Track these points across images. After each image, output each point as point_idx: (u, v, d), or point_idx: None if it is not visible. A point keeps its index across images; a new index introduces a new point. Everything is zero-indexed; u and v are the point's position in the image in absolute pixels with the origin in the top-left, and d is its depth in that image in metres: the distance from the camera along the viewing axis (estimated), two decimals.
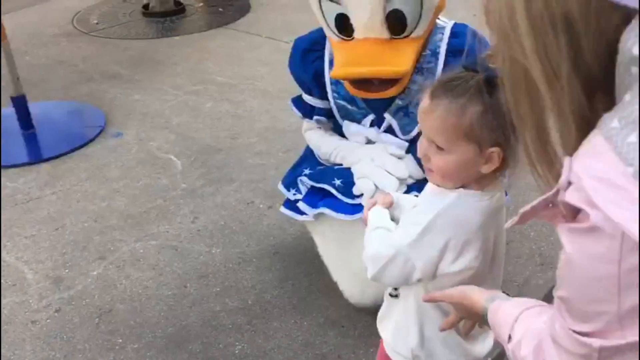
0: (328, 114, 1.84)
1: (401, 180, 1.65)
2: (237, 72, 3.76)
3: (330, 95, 1.78)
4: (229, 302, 2.10)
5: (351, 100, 1.74)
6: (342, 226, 1.74)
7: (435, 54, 1.66)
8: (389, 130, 1.74)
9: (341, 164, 1.80)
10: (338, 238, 1.81)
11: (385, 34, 1.59)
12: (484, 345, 1.23)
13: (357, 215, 1.66)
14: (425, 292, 1.13)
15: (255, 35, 4.29)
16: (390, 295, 1.23)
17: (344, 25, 1.62)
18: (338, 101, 1.77)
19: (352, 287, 1.87)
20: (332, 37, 1.69)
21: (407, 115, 1.69)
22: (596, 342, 0.62)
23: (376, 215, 1.19)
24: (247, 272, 2.22)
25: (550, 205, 0.64)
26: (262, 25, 4.45)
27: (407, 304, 1.19)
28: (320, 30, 1.78)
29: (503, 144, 1.02)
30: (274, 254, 2.30)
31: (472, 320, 1.08)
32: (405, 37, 1.60)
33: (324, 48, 1.77)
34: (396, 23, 1.57)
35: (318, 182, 1.78)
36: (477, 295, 0.98)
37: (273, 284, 2.17)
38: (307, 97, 1.87)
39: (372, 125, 1.74)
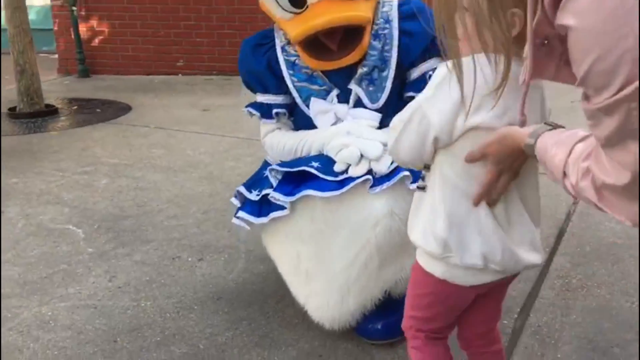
0: (287, 109, 1.70)
1: (385, 146, 1.51)
2: (130, 155, 3.48)
3: (288, 81, 1.65)
4: (176, 350, 1.71)
5: (311, 80, 1.63)
6: (324, 214, 1.53)
7: (388, 21, 1.63)
8: (357, 104, 1.63)
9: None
10: (315, 235, 1.57)
11: None
12: (529, 255, 1.07)
13: (345, 188, 1.48)
14: (446, 177, 1.04)
15: (142, 127, 4.07)
16: (419, 187, 1.11)
17: None
18: (298, 84, 1.65)
19: (329, 297, 1.60)
20: (285, 16, 1.60)
21: (372, 82, 1.61)
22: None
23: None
24: (191, 319, 1.85)
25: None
26: (148, 119, 4.26)
27: (433, 195, 1.07)
28: (265, 31, 1.71)
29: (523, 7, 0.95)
30: (218, 299, 1.96)
31: (512, 171, 1.01)
32: None
33: (273, 40, 1.68)
34: None
35: (294, 167, 1.57)
36: (518, 132, 0.97)
37: (225, 326, 1.82)
38: (262, 98, 1.72)
39: (338, 101, 1.62)
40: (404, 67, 1.64)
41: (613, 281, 1.97)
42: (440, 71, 1.01)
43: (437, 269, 1.09)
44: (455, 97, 0.98)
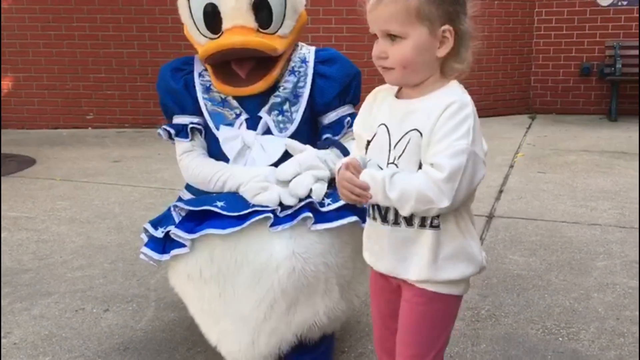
0: (202, 128, 1.70)
1: (318, 180, 1.55)
2: (33, 207, 3.30)
3: (202, 103, 1.65)
4: None
5: (224, 104, 1.63)
6: (223, 253, 1.49)
7: (304, 61, 1.67)
8: (266, 133, 1.63)
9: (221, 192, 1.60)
10: (216, 276, 1.52)
11: (252, 22, 1.56)
12: None
13: (246, 223, 1.45)
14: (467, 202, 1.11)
15: (48, 180, 3.90)
16: (433, 227, 1.09)
17: (213, 19, 1.57)
18: (211, 108, 1.64)
19: (240, 339, 1.54)
20: (201, 40, 1.62)
21: (282, 113, 1.62)
22: None
23: (372, 172, 1.07)
24: None
25: None
26: (53, 172, 4.09)
27: (456, 223, 1.11)
28: (185, 57, 1.72)
29: (454, 21, 1.02)
30: (124, 350, 1.86)
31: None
32: (272, 33, 1.59)
33: (192, 67, 1.68)
34: (263, 11, 1.55)
35: (198, 205, 1.53)
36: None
37: None
38: (178, 119, 1.69)
39: (247, 127, 1.62)
40: (316, 107, 1.67)
41: (519, 310, 2.03)
42: (466, 111, 1.02)
43: (461, 288, 1.15)
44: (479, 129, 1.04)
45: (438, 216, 1.08)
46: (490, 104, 6.32)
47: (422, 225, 1.08)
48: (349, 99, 1.70)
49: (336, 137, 1.67)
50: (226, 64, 1.59)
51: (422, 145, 1.03)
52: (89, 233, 2.88)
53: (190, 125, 1.64)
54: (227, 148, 1.62)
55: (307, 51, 1.71)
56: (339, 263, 1.52)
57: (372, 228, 1.16)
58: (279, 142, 1.59)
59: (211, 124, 1.64)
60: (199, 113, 1.66)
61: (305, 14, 1.70)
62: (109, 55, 5.67)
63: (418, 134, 1.03)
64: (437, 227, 1.09)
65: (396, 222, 1.10)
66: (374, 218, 1.13)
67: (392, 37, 1.03)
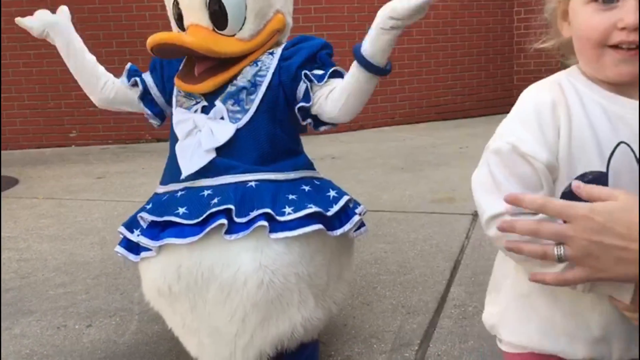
0: (161, 115, 1.76)
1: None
2: (15, 227, 3.26)
3: (175, 91, 1.66)
4: None
5: (190, 94, 1.61)
6: (191, 271, 1.44)
7: (272, 54, 1.61)
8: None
9: (184, 190, 1.55)
10: (185, 292, 1.48)
11: (206, 22, 1.53)
12: None
13: (204, 231, 1.41)
14: None
15: (29, 199, 3.85)
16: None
17: (179, 15, 1.58)
18: (177, 96, 1.65)
19: (218, 352, 1.50)
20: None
21: (237, 103, 1.57)
22: None
23: None
24: None
25: None
26: (36, 191, 4.05)
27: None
28: None
29: None
30: None
31: None
32: (230, 36, 1.55)
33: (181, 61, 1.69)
34: (216, 10, 1.52)
35: (160, 215, 1.50)
36: None
37: None
38: (146, 75, 1.73)
39: (203, 112, 1.59)
40: (286, 90, 1.58)
41: None
42: None
43: None
44: None
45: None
46: (474, 104, 6.35)
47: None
48: (317, 67, 1.57)
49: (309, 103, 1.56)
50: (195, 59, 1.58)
51: None
52: (72, 250, 2.85)
53: (137, 78, 1.70)
54: (179, 129, 1.59)
55: (278, 50, 1.64)
56: (311, 272, 1.48)
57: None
58: (229, 127, 1.54)
59: (174, 110, 1.64)
60: (167, 98, 1.68)
61: (280, 19, 1.63)
62: None
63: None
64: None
65: None
66: None
67: None
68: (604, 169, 0.84)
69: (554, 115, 0.87)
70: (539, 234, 0.82)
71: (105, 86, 1.75)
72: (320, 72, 1.54)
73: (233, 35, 1.56)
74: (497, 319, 1.06)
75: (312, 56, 1.57)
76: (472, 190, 0.95)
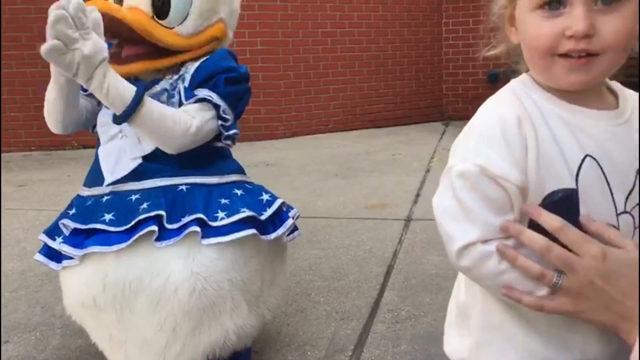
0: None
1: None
2: None
3: None
4: None
5: None
6: (118, 282, 1.38)
7: (195, 62, 1.55)
8: None
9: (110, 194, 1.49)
10: (111, 303, 1.41)
11: (148, 7, 1.47)
12: None
13: (133, 238, 1.36)
14: None
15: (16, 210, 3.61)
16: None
17: None
18: None
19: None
20: None
21: (170, 97, 1.50)
22: None
23: None
24: None
25: None
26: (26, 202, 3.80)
27: None
28: None
29: None
30: None
31: None
32: (169, 28, 1.50)
33: None
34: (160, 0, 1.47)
35: (85, 222, 1.43)
36: None
37: None
38: None
39: None
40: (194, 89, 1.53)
41: (437, 309, 2.04)
42: None
43: None
44: None
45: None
46: (406, 112, 6.47)
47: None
48: (208, 87, 1.51)
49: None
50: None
51: None
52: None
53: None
54: (102, 131, 1.53)
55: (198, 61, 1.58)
56: (245, 278, 1.45)
57: None
58: None
59: (101, 110, 1.57)
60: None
61: (221, 28, 1.59)
62: (11, 76, 5.38)
63: None
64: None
65: None
66: None
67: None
68: (573, 185, 0.81)
69: (520, 132, 0.82)
70: (548, 254, 0.79)
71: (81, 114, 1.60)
72: (198, 92, 1.48)
73: (171, 29, 1.51)
74: (468, 354, 0.97)
75: (211, 76, 1.50)
76: (436, 216, 0.89)
